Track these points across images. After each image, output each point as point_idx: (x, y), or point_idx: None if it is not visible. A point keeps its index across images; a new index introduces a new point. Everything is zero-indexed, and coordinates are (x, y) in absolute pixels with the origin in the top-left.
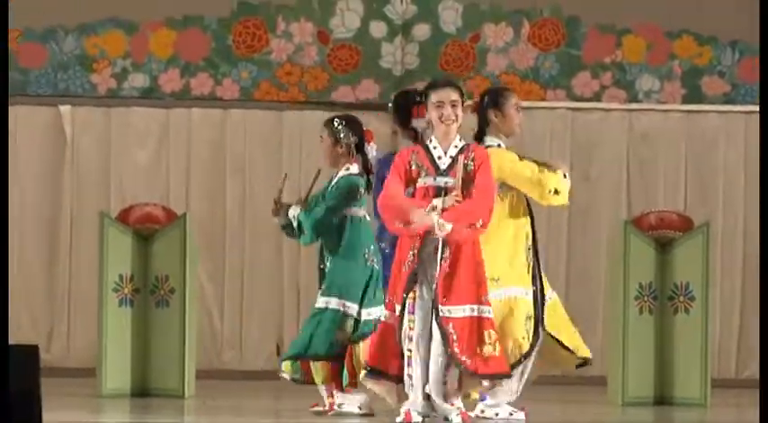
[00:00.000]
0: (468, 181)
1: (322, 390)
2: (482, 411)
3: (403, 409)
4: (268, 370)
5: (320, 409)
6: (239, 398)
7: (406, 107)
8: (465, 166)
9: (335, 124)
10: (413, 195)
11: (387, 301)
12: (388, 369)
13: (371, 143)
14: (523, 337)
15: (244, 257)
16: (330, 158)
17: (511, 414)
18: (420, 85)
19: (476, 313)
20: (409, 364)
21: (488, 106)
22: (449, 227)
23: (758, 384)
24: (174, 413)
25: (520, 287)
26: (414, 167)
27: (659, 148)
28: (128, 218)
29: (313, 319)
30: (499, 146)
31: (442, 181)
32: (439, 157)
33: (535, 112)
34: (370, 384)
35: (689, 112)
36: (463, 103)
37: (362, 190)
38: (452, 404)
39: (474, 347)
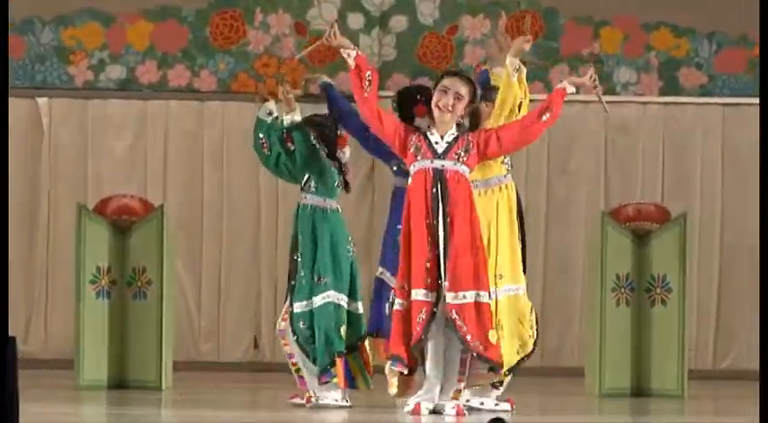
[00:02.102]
0: (468, 166)
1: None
2: (467, 400)
3: (413, 401)
4: (246, 361)
5: (299, 401)
6: (217, 390)
7: (408, 104)
8: (465, 148)
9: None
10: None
11: (399, 287)
12: (406, 358)
13: (345, 148)
14: (530, 336)
15: (221, 249)
16: None
17: (496, 405)
18: (398, 77)
19: (476, 299)
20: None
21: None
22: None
23: (735, 376)
24: (151, 405)
25: (521, 284)
26: (412, 148)
27: (637, 140)
28: (105, 210)
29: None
30: None
31: (439, 164)
32: (436, 142)
33: None
34: (395, 373)
35: (666, 103)
36: (473, 101)
37: (337, 183)
38: (455, 397)
39: (484, 333)
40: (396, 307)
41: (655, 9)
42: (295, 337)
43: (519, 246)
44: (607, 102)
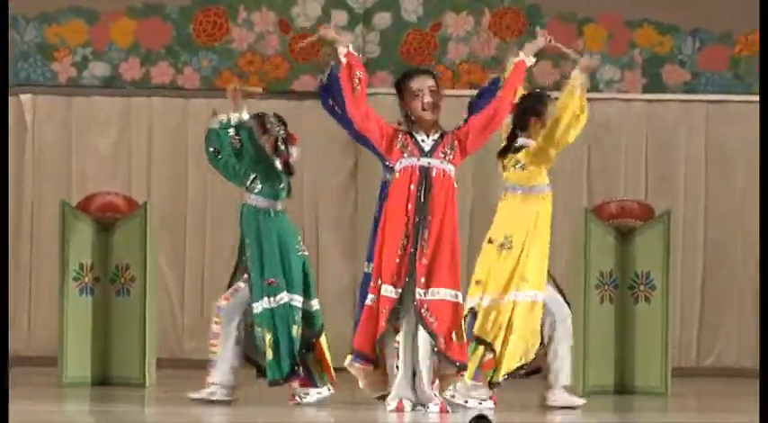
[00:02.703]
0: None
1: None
2: (452, 396)
3: (394, 397)
4: None
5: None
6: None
7: None
8: (451, 145)
9: (267, 118)
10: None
11: (372, 284)
12: (370, 353)
13: (294, 147)
14: (533, 344)
15: (205, 246)
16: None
17: (480, 402)
18: (382, 74)
19: (454, 299)
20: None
21: (530, 113)
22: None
23: (719, 373)
24: (135, 402)
25: (541, 292)
26: (398, 146)
27: (620, 138)
28: (89, 207)
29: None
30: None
31: (426, 161)
32: (422, 140)
33: None
34: (355, 369)
35: (650, 101)
36: (438, 87)
37: (282, 185)
38: (440, 392)
39: (450, 332)
40: (367, 302)
41: (638, 6)
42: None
43: (547, 255)
44: (590, 98)
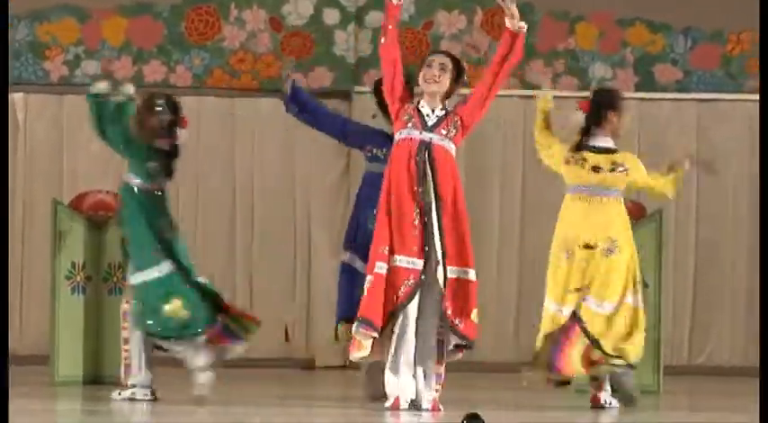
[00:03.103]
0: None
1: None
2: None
3: (392, 395)
4: None
5: None
6: (190, 385)
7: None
8: (454, 124)
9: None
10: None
11: (380, 251)
12: (378, 321)
13: (183, 130)
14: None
15: (196, 245)
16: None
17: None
18: (374, 73)
19: (462, 276)
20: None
21: (606, 107)
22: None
23: (711, 371)
24: (126, 401)
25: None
26: (405, 116)
27: None
28: (80, 205)
29: None
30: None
31: (427, 136)
32: (427, 115)
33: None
34: (361, 335)
35: (641, 99)
36: (458, 77)
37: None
38: (436, 390)
39: (467, 311)
40: (377, 270)
41: (630, 5)
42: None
43: None
44: (582, 96)
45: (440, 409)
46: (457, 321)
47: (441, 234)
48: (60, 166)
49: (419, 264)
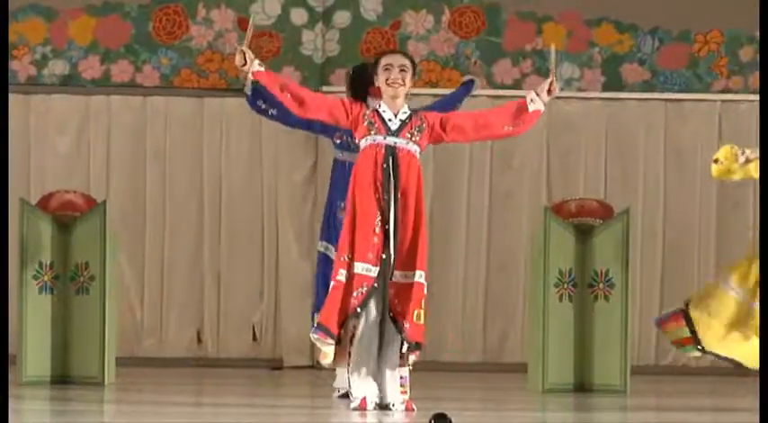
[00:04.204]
0: (420, 145)
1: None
2: None
3: (358, 396)
4: (188, 357)
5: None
6: (159, 385)
7: (361, 82)
8: (419, 127)
9: None
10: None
11: (342, 259)
12: (334, 329)
13: None
14: None
15: (164, 244)
16: None
17: None
18: (341, 73)
19: (417, 279)
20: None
21: None
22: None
23: (678, 371)
24: (94, 400)
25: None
26: (365, 123)
27: (579, 136)
28: (47, 205)
29: None
30: None
31: (392, 141)
32: (389, 119)
33: None
34: (316, 340)
35: (609, 99)
36: (414, 73)
37: None
38: (404, 391)
39: (411, 312)
40: (338, 278)
41: (598, 5)
42: None
43: None
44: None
45: (413, 409)
46: (407, 326)
47: (396, 240)
48: (27, 166)
49: (374, 271)
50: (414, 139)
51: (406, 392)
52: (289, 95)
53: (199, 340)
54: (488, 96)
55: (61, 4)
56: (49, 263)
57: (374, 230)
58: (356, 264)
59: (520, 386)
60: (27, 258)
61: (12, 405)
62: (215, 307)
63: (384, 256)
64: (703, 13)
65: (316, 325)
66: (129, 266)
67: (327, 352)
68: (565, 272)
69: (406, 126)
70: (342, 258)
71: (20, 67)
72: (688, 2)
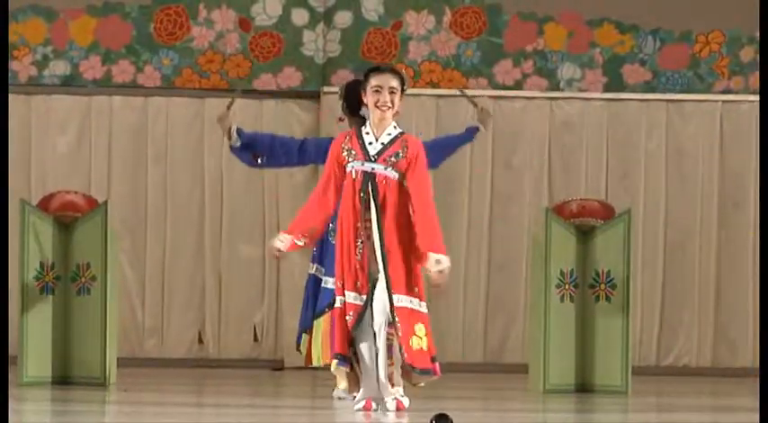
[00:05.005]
0: (399, 170)
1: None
2: None
3: (362, 398)
4: (189, 358)
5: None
6: (161, 385)
7: (355, 94)
8: (396, 154)
9: None
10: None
11: (338, 285)
12: (347, 354)
13: None
14: None
15: (165, 245)
16: None
17: None
18: (342, 73)
19: (410, 305)
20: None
21: None
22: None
23: (679, 372)
24: (95, 401)
25: None
26: (344, 153)
27: (581, 137)
28: (48, 205)
29: None
30: None
31: (369, 167)
32: (370, 143)
33: (457, 100)
34: (339, 372)
35: (610, 100)
36: (403, 90)
37: None
38: (392, 386)
39: (408, 339)
40: (337, 305)
41: (599, 5)
42: None
43: None
44: (551, 97)
45: (404, 407)
46: (402, 349)
47: (385, 265)
48: (28, 166)
49: (362, 299)
50: (391, 162)
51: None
52: (321, 203)
53: (200, 341)
54: (490, 96)
55: (61, 4)
56: (50, 263)
57: (356, 258)
58: (346, 292)
59: (521, 387)
60: (28, 259)
61: (13, 405)
62: (216, 308)
63: (370, 284)
64: (704, 13)
65: (337, 356)
66: (131, 267)
67: (341, 378)
68: (566, 272)
69: (387, 151)
70: (338, 285)
71: (21, 67)
72: (689, 2)
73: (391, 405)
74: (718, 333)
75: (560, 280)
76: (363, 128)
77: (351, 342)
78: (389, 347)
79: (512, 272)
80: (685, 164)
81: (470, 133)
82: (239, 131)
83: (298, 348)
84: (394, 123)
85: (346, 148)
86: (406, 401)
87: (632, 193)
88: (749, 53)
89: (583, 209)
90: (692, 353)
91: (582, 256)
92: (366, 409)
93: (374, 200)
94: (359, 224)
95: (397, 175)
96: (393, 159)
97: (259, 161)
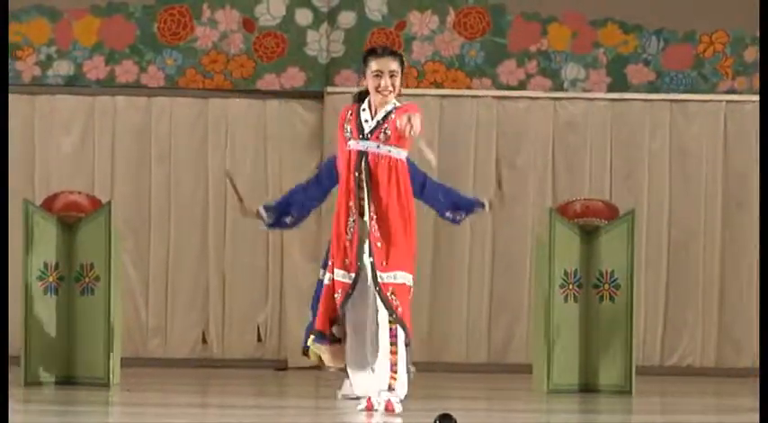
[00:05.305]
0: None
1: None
2: None
3: (364, 396)
4: (193, 358)
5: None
6: (164, 385)
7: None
8: (386, 129)
9: None
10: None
11: (329, 262)
12: (327, 332)
13: None
14: None
15: (168, 245)
16: None
17: None
18: (346, 73)
19: (392, 280)
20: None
21: None
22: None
23: (683, 372)
24: (99, 401)
25: None
26: (346, 133)
27: (585, 137)
28: (52, 206)
29: None
30: None
31: (363, 145)
32: (366, 120)
33: (461, 100)
34: (321, 349)
35: (614, 100)
36: (403, 71)
37: None
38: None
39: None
40: (326, 282)
41: (602, 5)
42: None
43: None
44: (555, 97)
45: (394, 409)
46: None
47: (370, 245)
48: (32, 166)
49: (351, 277)
50: (384, 139)
51: (393, 388)
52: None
53: (204, 341)
54: (494, 97)
55: (65, 4)
56: (53, 263)
57: (346, 237)
58: (335, 270)
59: (524, 387)
60: (32, 259)
61: (17, 406)
62: (220, 308)
63: (360, 262)
64: (708, 13)
65: (317, 334)
66: (134, 267)
67: (325, 356)
68: (570, 272)
69: (380, 127)
70: (329, 263)
71: (24, 67)
72: (693, 2)
73: (380, 403)
74: (722, 333)
75: (564, 280)
76: (362, 104)
77: (334, 320)
78: (391, 333)
79: (516, 272)
80: (689, 164)
81: (474, 205)
82: (267, 209)
83: (305, 353)
84: (394, 101)
85: (348, 127)
86: (398, 407)
87: (636, 193)
88: (753, 53)
89: (587, 209)
90: (696, 353)
91: (586, 256)
92: (368, 409)
93: (366, 178)
94: (351, 203)
95: (391, 150)
96: (383, 136)
97: (288, 222)
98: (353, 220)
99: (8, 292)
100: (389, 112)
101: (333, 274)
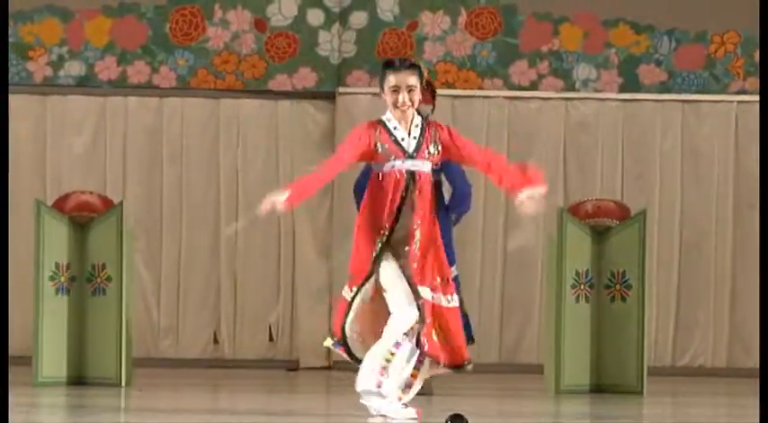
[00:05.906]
0: (439, 156)
1: None
2: None
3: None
4: (205, 358)
5: None
6: (176, 386)
7: None
8: (430, 147)
9: None
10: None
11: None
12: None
13: None
14: None
15: (180, 245)
16: None
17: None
18: (358, 73)
19: (433, 300)
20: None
21: None
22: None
23: (694, 372)
24: (110, 401)
25: None
26: (379, 150)
27: (596, 137)
28: (64, 206)
29: None
30: None
31: (410, 164)
32: (402, 139)
33: (473, 100)
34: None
35: (626, 100)
36: (422, 83)
37: None
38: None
39: (430, 331)
40: (344, 294)
41: (614, 5)
42: None
43: None
44: (566, 97)
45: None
46: (423, 340)
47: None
48: (43, 166)
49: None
50: (430, 157)
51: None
52: (326, 172)
53: (215, 341)
54: (505, 97)
55: (77, 4)
56: (65, 264)
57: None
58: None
59: (536, 387)
60: (43, 259)
61: (27, 406)
62: (231, 308)
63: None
64: (720, 13)
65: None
66: (146, 267)
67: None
68: (581, 273)
69: (423, 144)
70: (352, 276)
71: (36, 67)
72: (704, 3)
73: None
74: (733, 333)
75: (576, 280)
76: (388, 121)
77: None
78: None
79: (527, 272)
80: (701, 164)
81: (461, 214)
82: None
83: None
84: (414, 113)
85: (380, 143)
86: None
87: (647, 193)
88: None
89: (598, 209)
90: (708, 353)
91: (597, 257)
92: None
93: (412, 197)
94: (386, 223)
95: (431, 166)
96: (432, 151)
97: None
98: (386, 237)
99: (8, 292)
100: (423, 129)
101: (356, 290)
